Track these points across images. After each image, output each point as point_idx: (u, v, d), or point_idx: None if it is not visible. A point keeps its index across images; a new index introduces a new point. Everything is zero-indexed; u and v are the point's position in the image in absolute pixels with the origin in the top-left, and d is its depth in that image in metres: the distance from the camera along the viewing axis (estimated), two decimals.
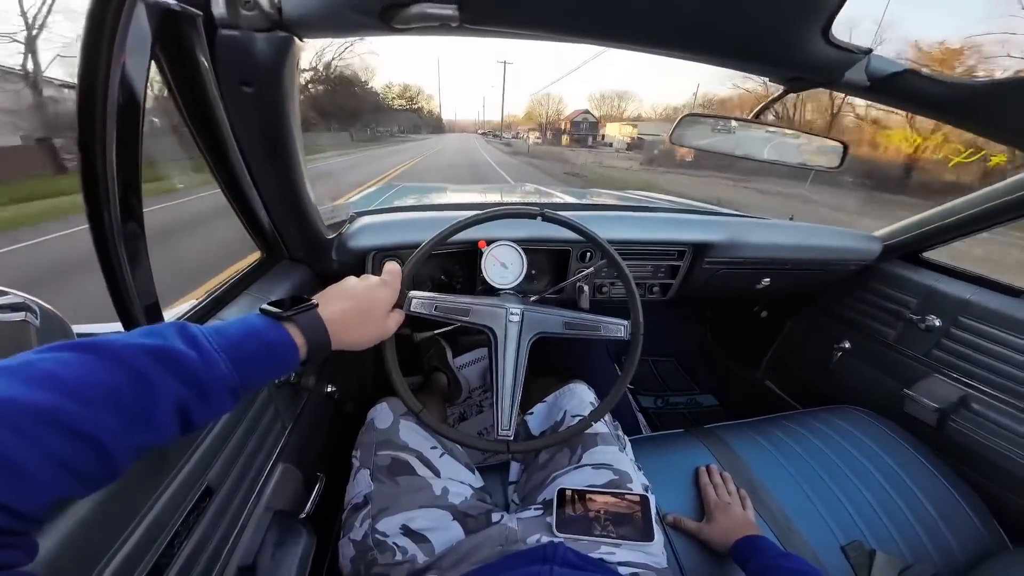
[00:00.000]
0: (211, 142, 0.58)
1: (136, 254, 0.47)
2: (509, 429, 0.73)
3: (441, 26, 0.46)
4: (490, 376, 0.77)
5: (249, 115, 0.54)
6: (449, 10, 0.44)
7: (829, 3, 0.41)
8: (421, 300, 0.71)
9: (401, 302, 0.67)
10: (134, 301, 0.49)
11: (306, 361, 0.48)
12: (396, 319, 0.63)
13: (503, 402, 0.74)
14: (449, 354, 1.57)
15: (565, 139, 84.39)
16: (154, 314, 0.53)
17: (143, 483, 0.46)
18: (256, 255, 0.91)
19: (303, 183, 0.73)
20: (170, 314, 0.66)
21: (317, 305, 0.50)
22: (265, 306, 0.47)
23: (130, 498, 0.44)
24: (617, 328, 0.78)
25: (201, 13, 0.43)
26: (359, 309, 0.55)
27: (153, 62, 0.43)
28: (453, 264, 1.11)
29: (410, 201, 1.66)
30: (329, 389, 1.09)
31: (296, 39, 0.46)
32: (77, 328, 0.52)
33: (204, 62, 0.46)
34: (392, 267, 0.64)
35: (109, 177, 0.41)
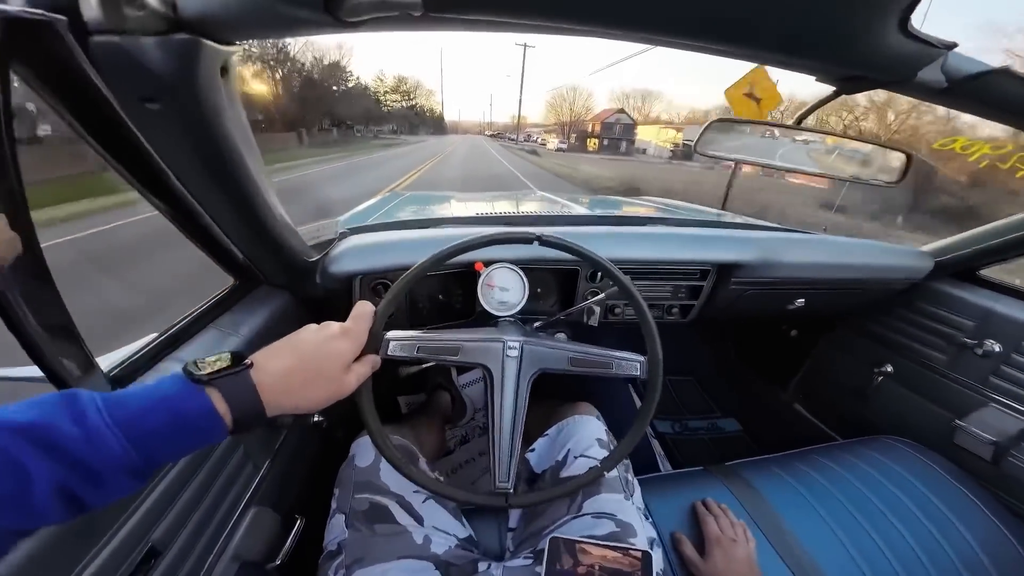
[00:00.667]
0: (134, 169, 0.48)
1: (36, 291, 0.42)
2: (507, 481, 0.65)
3: (401, 16, 0.35)
4: (486, 418, 0.68)
5: (166, 136, 0.44)
6: None
7: None
8: (400, 342, 0.62)
9: (376, 347, 0.59)
10: (42, 345, 0.43)
11: (235, 431, 0.42)
12: (359, 372, 0.54)
13: (500, 450, 0.65)
14: (454, 371, 1.48)
15: (592, 143, 74.72)
16: (76, 355, 0.47)
17: (66, 550, 0.41)
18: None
19: (266, 204, 0.63)
20: (121, 352, 0.61)
21: (249, 366, 0.43)
22: (188, 366, 0.41)
23: (48, 567, 0.39)
24: (632, 365, 0.69)
25: (64, 18, 0.33)
26: (306, 368, 0.47)
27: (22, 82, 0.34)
28: (453, 283, 1.02)
29: (409, 214, 1.57)
30: (316, 419, 1.01)
31: (208, 42, 0.36)
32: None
33: (89, 76, 0.36)
34: (362, 310, 0.56)
35: None
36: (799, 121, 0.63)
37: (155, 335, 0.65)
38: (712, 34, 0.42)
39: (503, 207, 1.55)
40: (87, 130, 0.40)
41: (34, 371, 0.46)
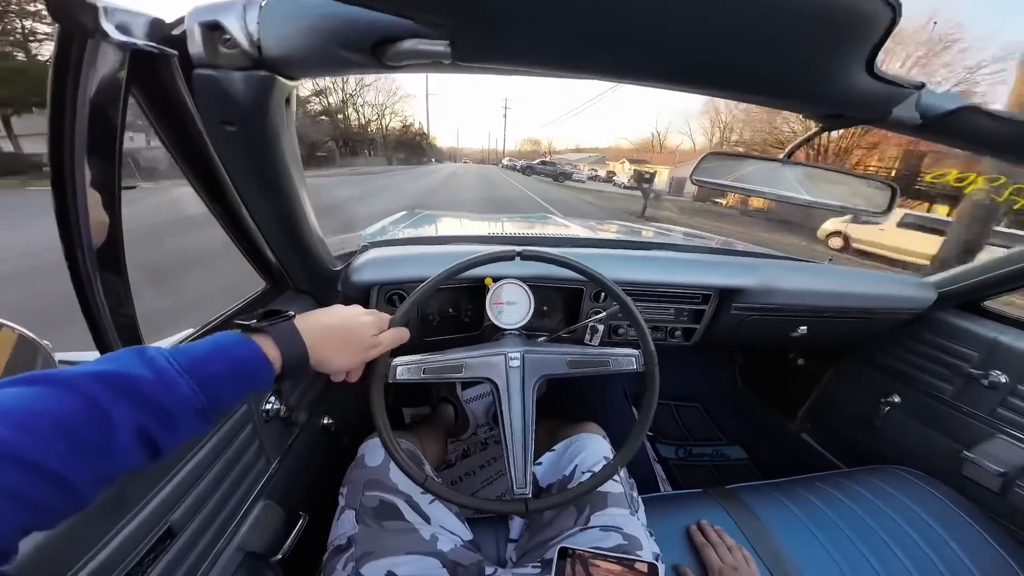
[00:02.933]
0: (204, 179, 0.57)
1: (113, 284, 0.48)
2: (525, 487, 0.67)
3: (434, 63, 0.43)
4: (499, 429, 0.71)
5: (235, 153, 0.52)
6: (441, 47, 0.40)
7: (872, 32, 0.36)
8: (407, 366, 0.67)
9: (400, 324, 0.64)
10: (109, 330, 0.49)
11: (281, 377, 0.46)
12: (384, 342, 0.60)
13: (515, 457, 0.68)
14: (458, 385, 1.52)
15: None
16: (130, 343, 0.53)
17: (94, 523, 0.44)
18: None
19: (303, 217, 0.71)
20: (163, 344, 0.65)
21: (293, 316, 0.49)
22: (238, 320, 0.46)
23: (78, 538, 0.42)
24: (628, 360, 0.72)
25: (176, 53, 0.41)
26: (339, 329, 0.54)
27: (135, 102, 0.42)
28: (462, 297, 1.07)
29: (425, 231, 1.65)
30: (326, 422, 1.05)
31: (280, 78, 0.44)
32: (60, 356, 0.53)
33: (187, 101, 0.45)
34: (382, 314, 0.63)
35: (81, 214, 0.42)
36: (790, 154, 0.69)
37: (192, 330, 0.70)
38: (702, 79, 0.48)
39: (514, 228, 1.61)
40: (174, 145, 0.49)
41: (93, 356, 0.51)
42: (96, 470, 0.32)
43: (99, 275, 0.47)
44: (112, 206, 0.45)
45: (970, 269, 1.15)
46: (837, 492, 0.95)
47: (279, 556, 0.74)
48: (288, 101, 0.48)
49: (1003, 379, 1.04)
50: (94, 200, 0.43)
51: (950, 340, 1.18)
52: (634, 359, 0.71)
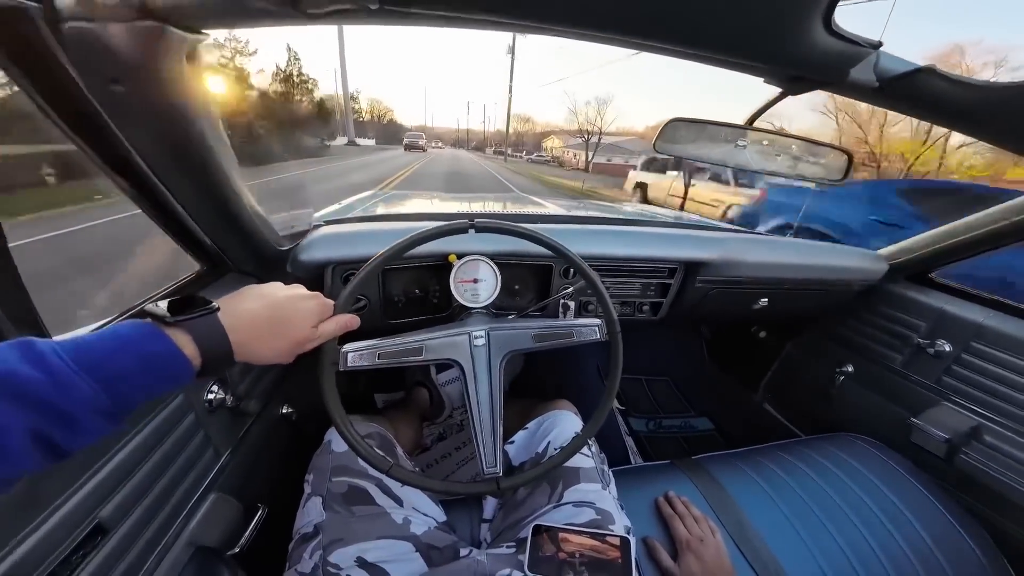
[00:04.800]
0: (102, 149, 0.50)
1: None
2: (496, 465, 0.66)
3: (359, 10, 0.38)
4: (464, 414, 0.69)
5: (133, 118, 0.46)
6: None
7: None
8: (359, 352, 0.63)
9: (346, 308, 0.60)
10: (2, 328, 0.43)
11: (203, 373, 0.42)
12: (327, 329, 0.55)
13: (483, 436, 0.67)
14: (433, 368, 1.49)
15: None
16: (32, 331, 0.47)
17: (8, 519, 0.41)
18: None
19: (235, 193, 0.64)
20: (76, 334, 0.58)
21: (217, 309, 0.44)
22: (149, 306, 0.41)
23: None
24: (592, 330, 0.71)
25: (38, 5, 0.34)
26: (273, 315, 0.48)
27: None
28: (429, 277, 1.03)
29: (386, 209, 1.58)
30: (285, 411, 1.01)
31: (174, 29, 0.37)
32: None
33: (60, 60, 0.38)
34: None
35: None
36: (751, 121, 0.67)
37: (114, 316, 0.64)
38: (658, 34, 0.45)
39: (480, 206, 1.57)
40: (56, 112, 0.42)
41: None
42: None
43: None
44: None
45: (919, 241, 1.19)
46: (796, 460, 0.98)
47: (236, 549, 0.72)
48: (191, 57, 0.42)
49: (947, 348, 1.08)
50: None
51: (900, 311, 1.22)
52: (597, 328, 0.71)
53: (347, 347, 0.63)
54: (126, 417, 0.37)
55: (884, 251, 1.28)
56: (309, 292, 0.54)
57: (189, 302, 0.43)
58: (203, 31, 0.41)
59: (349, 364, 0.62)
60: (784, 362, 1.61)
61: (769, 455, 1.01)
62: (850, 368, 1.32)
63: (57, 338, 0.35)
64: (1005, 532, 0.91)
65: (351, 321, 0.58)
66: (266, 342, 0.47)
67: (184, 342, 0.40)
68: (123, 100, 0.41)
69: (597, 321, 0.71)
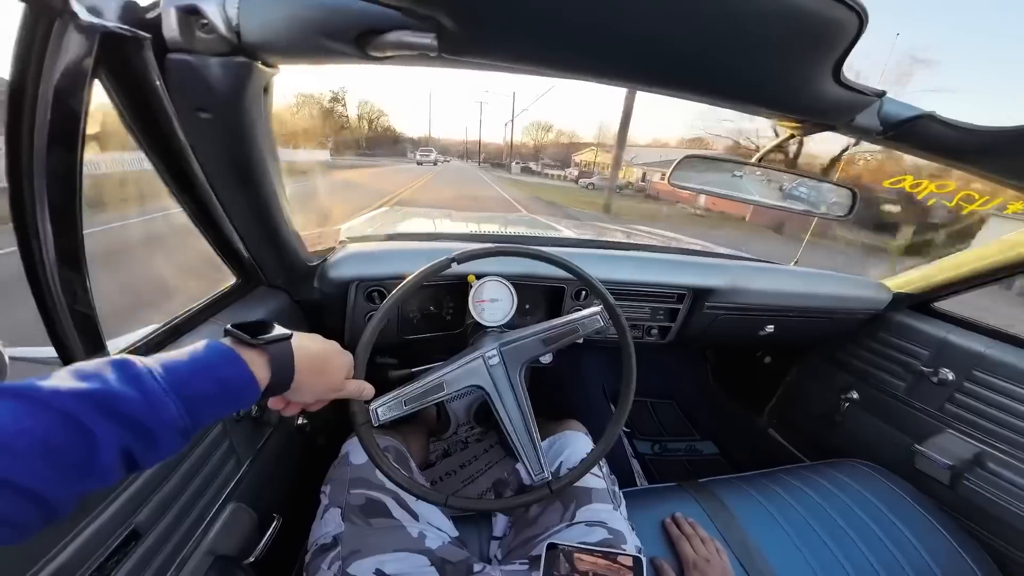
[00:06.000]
0: (172, 167, 0.54)
1: (70, 280, 0.45)
2: (543, 471, 0.69)
3: (419, 56, 0.43)
4: (500, 428, 0.72)
5: (209, 141, 0.50)
6: (427, 39, 0.40)
7: (839, 41, 0.38)
8: (387, 404, 0.65)
9: (362, 374, 0.62)
10: (67, 327, 0.47)
11: (263, 395, 0.44)
12: (355, 384, 0.59)
13: (523, 446, 0.70)
14: None
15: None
16: (93, 340, 0.50)
17: (50, 528, 0.41)
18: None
19: (279, 210, 0.69)
20: (123, 341, 0.62)
21: (291, 335, 0.46)
22: (231, 330, 0.43)
23: (36, 540, 0.40)
24: (593, 320, 0.74)
25: (149, 36, 0.39)
26: (324, 359, 0.52)
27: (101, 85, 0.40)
28: (444, 295, 1.07)
29: (405, 228, 1.63)
30: (300, 422, 1.03)
31: (259, 65, 0.42)
32: (12, 352, 0.48)
33: (158, 87, 0.42)
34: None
35: (38, 200, 0.40)
36: (760, 159, 0.72)
37: (157, 326, 0.68)
38: (677, 84, 0.50)
39: (494, 227, 1.61)
40: (142, 131, 0.47)
41: (48, 352, 0.49)
42: (76, 488, 0.30)
43: (56, 270, 0.44)
44: (72, 198, 0.42)
45: (923, 272, 1.22)
46: (801, 484, 0.99)
47: (252, 559, 0.73)
48: (267, 90, 0.47)
49: (950, 376, 1.10)
50: (54, 191, 0.40)
51: (903, 339, 1.24)
52: (599, 317, 0.74)
53: (374, 404, 0.65)
54: (194, 436, 0.39)
55: (888, 281, 1.31)
56: (341, 348, 0.57)
57: (264, 326, 0.45)
58: (279, 66, 0.46)
59: (381, 419, 0.64)
60: (789, 387, 1.62)
61: (774, 479, 1.02)
62: (855, 394, 1.34)
63: (145, 357, 0.36)
64: (1008, 558, 0.92)
65: (368, 391, 0.61)
66: (314, 380, 0.50)
67: (259, 365, 0.42)
68: (205, 125, 0.46)
69: (596, 308, 0.74)
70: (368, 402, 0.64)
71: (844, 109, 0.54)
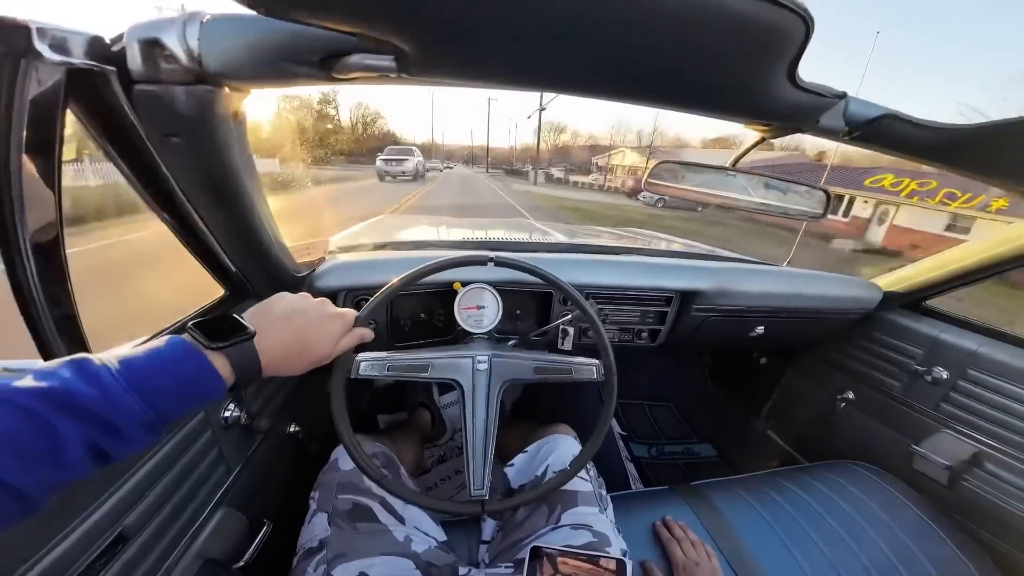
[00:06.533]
0: (152, 189, 0.56)
1: (55, 293, 0.47)
2: (482, 488, 0.68)
3: (380, 76, 0.44)
4: (462, 430, 0.72)
5: (183, 164, 0.52)
6: (387, 61, 0.42)
7: (788, 46, 0.38)
8: (371, 361, 0.66)
9: (364, 323, 0.63)
10: (52, 337, 0.48)
11: (232, 390, 0.46)
12: (343, 344, 0.59)
13: (475, 459, 0.69)
14: (435, 390, 1.51)
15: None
16: (76, 351, 0.50)
17: (40, 526, 0.44)
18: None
19: (261, 223, 0.71)
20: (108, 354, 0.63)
21: (253, 335, 0.47)
22: (191, 329, 0.44)
23: (23, 541, 0.42)
24: (589, 369, 0.74)
25: (115, 70, 0.41)
26: (300, 341, 0.52)
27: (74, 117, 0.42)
28: (434, 302, 1.08)
29: (398, 236, 1.65)
30: (292, 429, 1.04)
31: (226, 90, 0.44)
32: (2, 363, 0.50)
33: (129, 116, 0.45)
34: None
35: (19, 224, 0.42)
36: (735, 163, 0.72)
37: (145, 338, 0.68)
38: (643, 95, 0.51)
39: (488, 234, 1.63)
40: (121, 158, 0.49)
41: (36, 364, 0.52)
42: (46, 478, 0.32)
43: (39, 284, 0.46)
44: (52, 212, 0.44)
45: (913, 270, 1.21)
46: (796, 487, 0.99)
47: (241, 563, 0.74)
48: (236, 113, 0.49)
49: (944, 375, 1.09)
50: (34, 208, 0.42)
51: (896, 338, 1.23)
52: (595, 368, 0.74)
53: (360, 356, 0.66)
54: (164, 428, 0.40)
55: (879, 279, 1.30)
56: (334, 310, 0.57)
57: (226, 322, 0.47)
58: (246, 90, 0.48)
59: (361, 372, 0.65)
60: (785, 389, 1.61)
61: (769, 482, 1.01)
62: (851, 395, 1.33)
63: (104, 354, 0.38)
64: (1008, 558, 0.91)
65: (367, 334, 0.62)
66: (292, 363, 0.52)
67: (220, 364, 0.43)
68: (177, 149, 0.48)
69: (595, 362, 0.74)
70: (358, 351, 0.65)
71: (807, 112, 0.54)
